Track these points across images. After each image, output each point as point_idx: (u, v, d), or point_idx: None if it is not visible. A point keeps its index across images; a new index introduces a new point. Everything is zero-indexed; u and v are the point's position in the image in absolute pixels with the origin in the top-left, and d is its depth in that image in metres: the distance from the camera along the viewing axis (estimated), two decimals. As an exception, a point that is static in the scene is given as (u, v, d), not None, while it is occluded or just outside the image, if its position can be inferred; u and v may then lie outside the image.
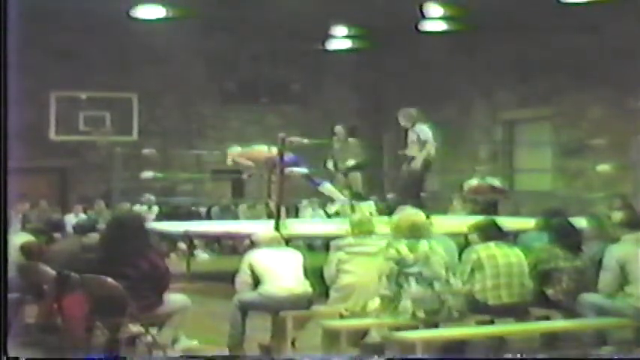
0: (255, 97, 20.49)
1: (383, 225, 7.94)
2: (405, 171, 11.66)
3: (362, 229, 7.39)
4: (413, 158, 11.42)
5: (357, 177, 12.72)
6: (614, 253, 6.89)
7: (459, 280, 6.75)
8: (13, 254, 7.67)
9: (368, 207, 12.01)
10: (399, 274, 6.46)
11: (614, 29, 15.24)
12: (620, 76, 15.06)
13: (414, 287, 6.42)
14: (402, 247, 6.51)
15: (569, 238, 7.33)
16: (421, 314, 6.40)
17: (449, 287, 6.54)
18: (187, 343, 7.12)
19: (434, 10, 16.12)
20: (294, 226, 11.74)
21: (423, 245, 6.54)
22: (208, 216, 18.07)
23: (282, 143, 10.99)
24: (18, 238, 8.25)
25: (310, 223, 14.38)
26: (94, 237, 8.22)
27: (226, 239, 15.84)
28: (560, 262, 7.19)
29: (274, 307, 7.31)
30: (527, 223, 9.73)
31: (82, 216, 15.43)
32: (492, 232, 7.16)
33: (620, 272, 6.79)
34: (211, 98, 20.19)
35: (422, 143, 11.36)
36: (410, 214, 6.92)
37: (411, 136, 11.52)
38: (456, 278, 6.69)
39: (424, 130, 11.43)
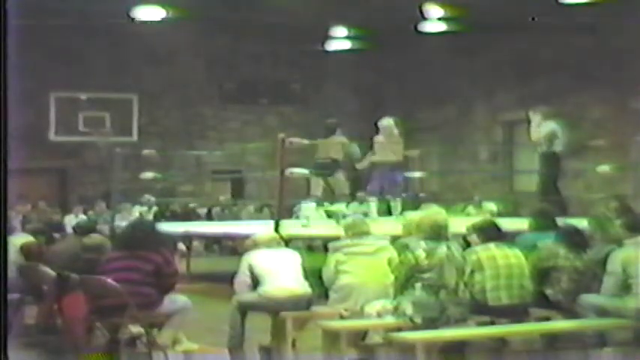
0: (255, 97, 20.50)
1: (400, 223, 7.92)
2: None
3: (355, 231, 7.39)
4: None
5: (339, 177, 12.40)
6: (619, 257, 6.85)
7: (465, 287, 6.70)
8: (13, 255, 7.67)
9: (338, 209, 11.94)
10: (408, 278, 6.45)
11: (614, 29, 15.24)
12: (620, 77, 15.05)
13: (418, 292, 6.41)
14: (421, 252, 6.48)
15: (573, 239, 7.31)
16: (418, 320, 6.38)
17: (454, 296, 6.51)
18: (187, 345, 7.11)
19: (434, 10, 16.12)
20: (294, 227, 11.72)
21: (442, 250, 6.51)
22: (208, 216, 18.06)
23: (282, 144, 10.96)
24: (18, 239, 8.24)
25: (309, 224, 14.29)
26: (94, 237, 8.23)
27: (226, 239, 15.82)
28: (560, 262, 7.18)
29: (274, 308, 7.29)
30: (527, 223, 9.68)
31: (82, 217, 15.43)
32: (492, 233, 7.14)
33: (623, 276, 6.77)
34: (211, 99, 20.19)
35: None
36: (433, 212, 6.89)
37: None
38: (464, 287, 6.65)
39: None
